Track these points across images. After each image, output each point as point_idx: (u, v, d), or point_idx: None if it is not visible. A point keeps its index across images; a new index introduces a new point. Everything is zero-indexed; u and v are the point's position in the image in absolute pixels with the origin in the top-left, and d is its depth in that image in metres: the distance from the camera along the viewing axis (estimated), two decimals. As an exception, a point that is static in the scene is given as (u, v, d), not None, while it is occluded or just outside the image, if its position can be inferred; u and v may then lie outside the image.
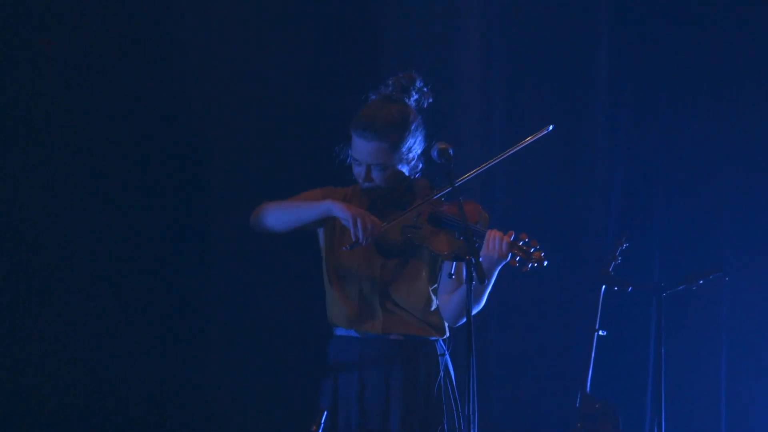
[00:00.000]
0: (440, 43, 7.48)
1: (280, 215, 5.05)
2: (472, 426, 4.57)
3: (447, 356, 5.16)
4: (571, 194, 7.85)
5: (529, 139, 5.04)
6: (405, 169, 5.10)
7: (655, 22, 7.97)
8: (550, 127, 5.06)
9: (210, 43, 6.57)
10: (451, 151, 4.81)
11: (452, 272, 4.92)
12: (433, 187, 5.07)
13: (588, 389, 7.25)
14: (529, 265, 4.83)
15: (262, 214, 5.08)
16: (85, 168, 6.18)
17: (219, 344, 6.57)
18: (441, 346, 5.15)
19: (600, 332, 7.30)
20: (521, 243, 4.87)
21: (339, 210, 4.92)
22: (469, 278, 4.62)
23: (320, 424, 4.82)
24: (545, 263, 4.86)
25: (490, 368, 7.46)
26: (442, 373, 5.11)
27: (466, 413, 4.57)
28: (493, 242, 4.89)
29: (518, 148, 5.10)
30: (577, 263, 7.77)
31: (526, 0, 7.74)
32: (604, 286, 7.35)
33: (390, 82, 5.14)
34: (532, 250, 4.82)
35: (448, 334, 5.19)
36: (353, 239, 4.87)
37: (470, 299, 4.64)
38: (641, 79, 7.99)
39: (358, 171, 5.06)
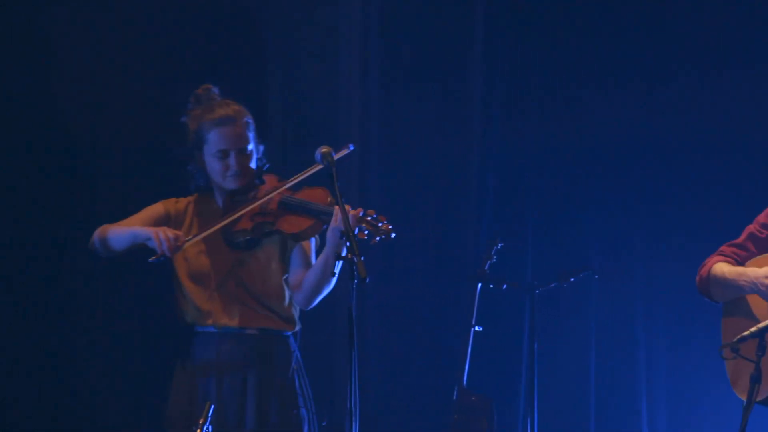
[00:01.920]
0: (321, 49, 7.59)
1: (115, 240, 5.26)
2: (353, 420, 4.67)
3: (297, 351, 5.36)
4: (447, 195, 7.99)
5: (337, 156, 5.13)
6: (253, 164, 5.32)
7: (527, 26, 8.07)
8: (351, 147, 5.24)
9: (89, 46, 6.61)
10: (333, 154, 4.99)
11: (335, 271, 5.08)
12: (281, 179, 5.30)
13: (465, 383, 7.39)
14: (377, 238, 5.04)
15: (99, 238, 5.29)
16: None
17: (89, 346, 6.63)
18: (293, 342, 5.36)
19: (476, 328, 7.43)
20: (369, 218, 5.09)
21: (146, 234, 5.15)
22: (351, 276, 4.73)
23: (207, 417, 4.87)
24: (392, 235, 5.08)
25: (370, 363, 7.55)
26: (294, 366, 5.32)
27: (348, 407, 4.67)
28: (341, 217, 5.05)
29: (314, 171, 5.23)
30: (454, 262, 7.91)
31: (404, 6, 7.85)
32: (479, 284, 7.48)
33: (192, 99, 5.39)
34: (380, 224, 5.05)
35: (299, 327, 5.38)
36: (159, 253, 5.11)
37: (353, 298, 4.75)
38: (514, 82, 8.08)
39: (223, 164, 5.27)
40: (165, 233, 5.09)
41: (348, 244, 4.77)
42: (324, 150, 5.00)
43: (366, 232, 5.06)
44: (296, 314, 5.37)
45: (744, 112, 7.55)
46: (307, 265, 5.32)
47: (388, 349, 7.78)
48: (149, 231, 5.13)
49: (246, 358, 5.26)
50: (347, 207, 5.02)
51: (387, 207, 7.74)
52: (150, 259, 5.13)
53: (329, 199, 5.23)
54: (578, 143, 8.01)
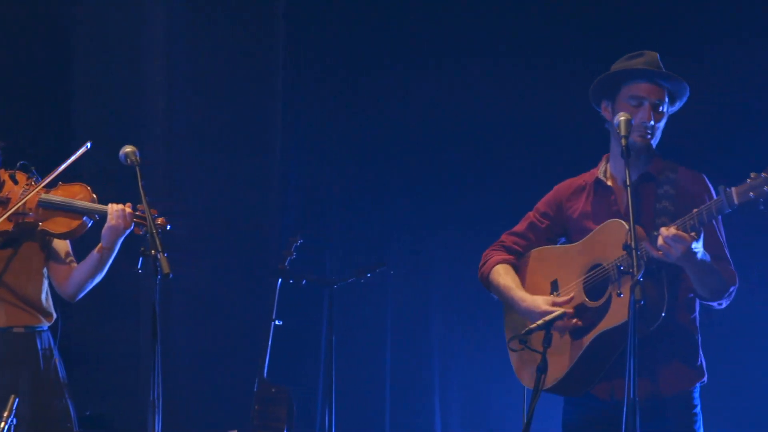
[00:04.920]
0: (127, 53, 7.61)
1: None
2: (156, 412, 4.78)
3: (54, 342, 5.47)
4: (249, 193, 8.08)
5: (73, 158, 5.32)
6: None
7: (328, 23, 8.15)
8: (89, 144, 5.35)
9: None
10: (137, 153, 5.12)
11: (140, 268, 5.11)
12: (32, 176, 5.38)
13: (265, 375, 7.44)
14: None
15: None
16: None
17: None
18: (51, 335, 5.47)
19: (276, 322, 7.49)
20: (140, 212, 5.22)
21: None
22: (155, 272, 4.83)
23: (12, 410, 4.90)
24: (168, 227, 5.20)
25: (174, 356, 7.63)
26: (56, 357, 5.44)
27: (151, 399, 4.77)
28: (117, 214, 5.27)
29: (64, 166, 5.37)
30: (256, 258, 8.02)
31: (208, 12, 7.94)
32: (280, 280, 7.55)
33: None
34: (153, 217, 5.09)
35: (56, 316, 5.49)
36: None
37: (157, 292, 4.86)
38: (316, 84, 8.18)
39: None
40: None
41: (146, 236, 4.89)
42: (128, 149, 5.11)
43: (141, 227, 5.19)
44: (52, 307, 5.46)
45: (527, 105, 7.69)
46: (71, 260, 5.42)
47: (191, 342, 7.86)
48: None
49: (16, 357, 5.34)
50: (120, 205, 5.16)
51: (192, 205, 7.87)
52: None
53: (93, 195, 5.33)
54: (376, 141, 8.13)
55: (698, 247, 4.50)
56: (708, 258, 4.59)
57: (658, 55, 4.90)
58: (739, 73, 7.15)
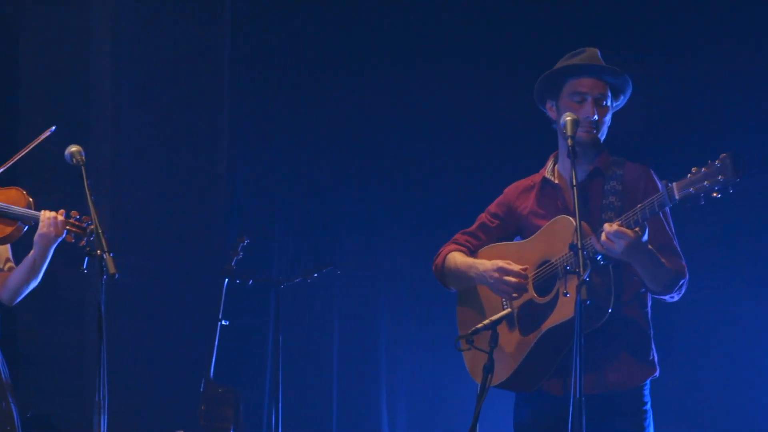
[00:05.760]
0: (73, 54, 7.57)
1: None
2: (102, 413, 4.75)
3: None
4: (196, 193, 8.08)
5: (36, 142, 5.31)
6: None
7: (274, 24, 8.15)
8: (53, 128, 5.35)
9: None
10: (82, 153, 5.11)
11: (85, 268, 5.07)
12: None
13: (211, 375, 7.45)
14: (85, 239, 5.09)
15: None
16: None
17: None
18: None
19: (223, 322, 7.51)
20: (74, 219, 5.18)
21: None
22: (100, 272, 4.81)
23: None
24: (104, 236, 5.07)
25: (120, 357, 7.58)
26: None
27: (97, 400, 4.75)
28: (48, 222, 5.21)
29: (27, 150, 5.39)
30: (203, 258, 8.01)
31: (155, 12, 7.92)
32: (227, 280, 7.56)
33: None
34: (86, 225, 5.11)
35: None
36: None
37: (103, 293, 4.83)
38: (263, 84, 8.19)
39: None
40: None
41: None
42: (73, 149, 5.09)
43: (73, 235, 5.15)
44: None
45: (477, 106, 7.73)
46: (9, 266, 5.39)
47: (137, 342, 7.84)
48: None
49: None
50: (52, 213, 5.13)
51: (138, 204, 7.85)
52: None
53: (29, 200, 5.29)
54: (323, 141, 8.15)
55: (641, 242, 4.53)
56: (653, 253, 4.62)
57: (599, 51, 4.93)
58: (688, 70, 7.22)
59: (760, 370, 7.12)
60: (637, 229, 4.50)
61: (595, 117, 4.82)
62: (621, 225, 4.52)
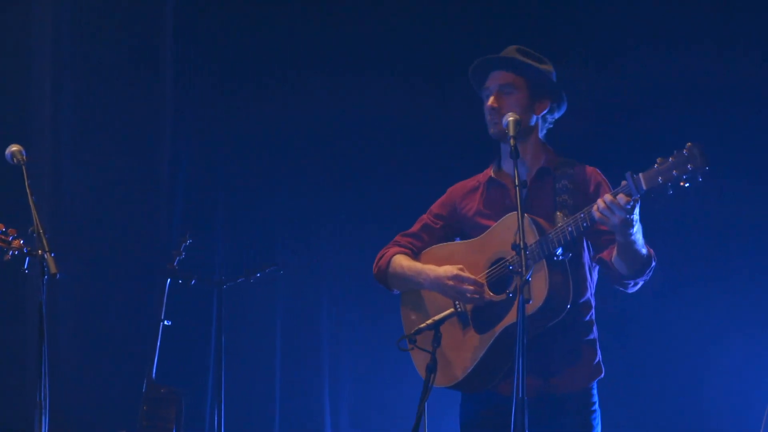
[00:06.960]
0: (14, 54, 7.53)
1: None
2: (43, 413, 4.75)
3: None
4: (138, 192, 8.03)
5: None
6: None
7: (216, 21, 8.14)
8: None
9: None
10: (23, 152, 5.08)
11: (26, 268, 5.07)
12: None
13: (153, 375, 7.40)
14: (11, 253, 5.03)
15: None
16: None
17: None
18: None
19: (165, 322, 7.47)
20: (1, 232, 5.09)
21: None
22: (41, 272, 4.81)
23: None
24: (26, 249, 5.02)
25: (61, 357, 7.58)
26: None
27: (38, 400, 4.74)
28: None
29: None
30: (145, 258, 7.95)
31: (96, 13, 7.88)
32: (169, 279, 7.53)
33: None
34: (11, 238, 5.04)
35: None
36: None
37: (44, 293, 4.82)
38: (205, 85, 8.16)
39: None
40: None
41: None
42: (14, 148, 5.07)
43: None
44: None
45: (417, 104, 7.77)
46: None
47: (78, 342, 7.78)
48: None
49: None
50: None
51: (79, 204, 7.80)
52: None
53: None
54: (264, 141, 8.14)
55: (634, 217, 4.45)
56: (641, 229, 4.54)
57: (516, 47, 4.90)
58: (639, 73, 7.30)
59: (707, 367, 7.22)
60: (637, 198, 4.40)
61: (496, 106, 4.79)
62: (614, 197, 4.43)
